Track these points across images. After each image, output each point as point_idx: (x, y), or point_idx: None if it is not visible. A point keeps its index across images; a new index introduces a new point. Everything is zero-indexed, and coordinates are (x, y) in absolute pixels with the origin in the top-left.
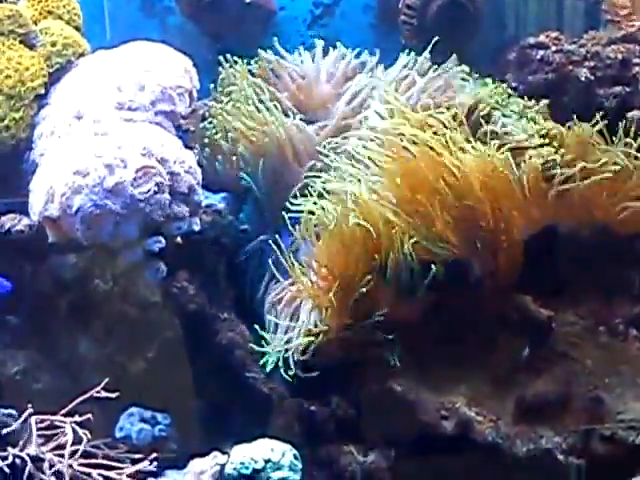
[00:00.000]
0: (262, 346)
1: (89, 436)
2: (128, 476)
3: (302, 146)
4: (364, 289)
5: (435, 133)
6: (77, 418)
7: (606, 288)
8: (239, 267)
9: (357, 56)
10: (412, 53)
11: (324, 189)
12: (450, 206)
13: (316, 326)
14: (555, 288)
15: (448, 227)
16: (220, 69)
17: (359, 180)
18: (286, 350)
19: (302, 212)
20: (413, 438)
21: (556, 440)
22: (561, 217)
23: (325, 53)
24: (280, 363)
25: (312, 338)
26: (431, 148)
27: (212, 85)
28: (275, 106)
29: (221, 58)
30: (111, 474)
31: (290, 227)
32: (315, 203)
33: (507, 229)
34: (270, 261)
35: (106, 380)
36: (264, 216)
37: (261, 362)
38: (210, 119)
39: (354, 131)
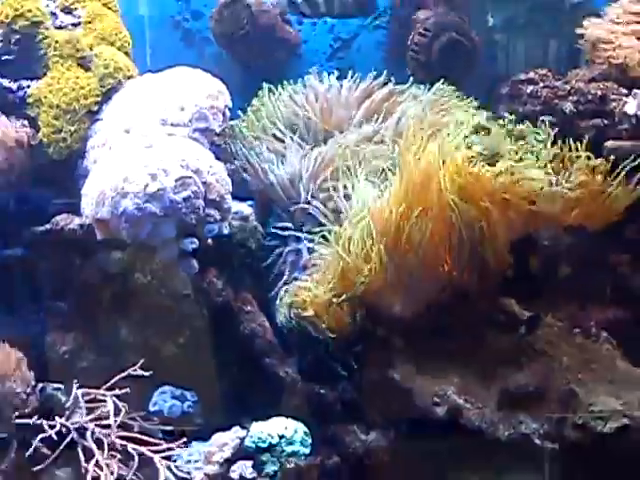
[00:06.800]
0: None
1: (127, 407)
2: (158, 452)
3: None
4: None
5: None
6: (117, 392)
7: (582, 294)
8: (262, 268)
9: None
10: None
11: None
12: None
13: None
14: (535, 293)
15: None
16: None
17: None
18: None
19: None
20: (409, 421)
21: (534, 426)
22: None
23: (343, 81)
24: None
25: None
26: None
27: (246, 104)
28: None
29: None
30: (144, 449)
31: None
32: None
33: (493, 236)
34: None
35: (142, 361)
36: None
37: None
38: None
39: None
